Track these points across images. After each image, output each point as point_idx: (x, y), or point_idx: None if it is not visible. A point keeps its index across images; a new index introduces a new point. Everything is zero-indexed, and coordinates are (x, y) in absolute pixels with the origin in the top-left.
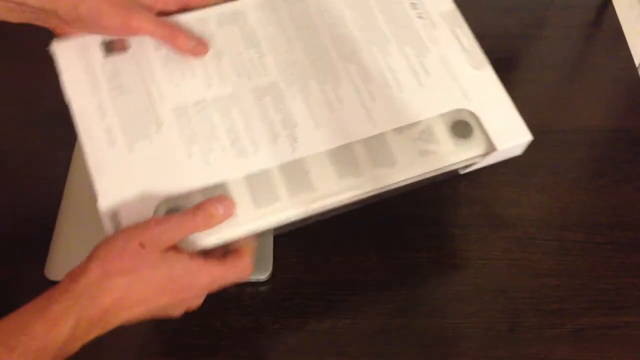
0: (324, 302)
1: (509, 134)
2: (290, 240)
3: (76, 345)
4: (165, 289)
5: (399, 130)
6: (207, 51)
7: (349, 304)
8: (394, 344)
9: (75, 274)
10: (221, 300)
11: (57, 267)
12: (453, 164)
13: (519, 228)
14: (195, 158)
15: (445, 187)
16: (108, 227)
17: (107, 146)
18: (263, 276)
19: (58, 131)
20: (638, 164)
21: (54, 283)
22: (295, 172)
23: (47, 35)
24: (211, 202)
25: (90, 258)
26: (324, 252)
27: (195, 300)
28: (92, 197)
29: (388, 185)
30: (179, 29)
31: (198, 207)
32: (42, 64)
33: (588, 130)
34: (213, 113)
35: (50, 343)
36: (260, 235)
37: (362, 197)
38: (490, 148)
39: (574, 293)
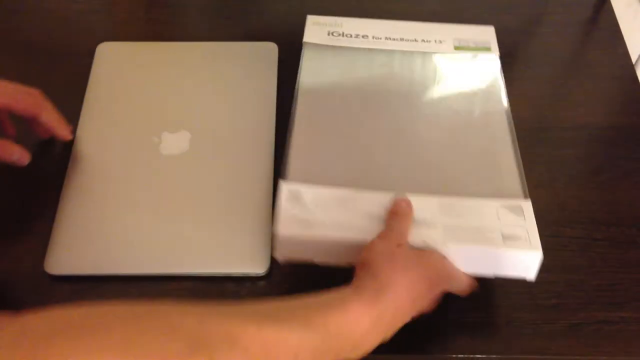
0: None
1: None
2: None
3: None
4: (422, 276)
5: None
6: (24, 163)
7: None
8: (389, 339)
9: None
10: (219, 296)
11: (56, 261)
12: None
13: None
14: None
15: None
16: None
17: None
18: (261, 271)
19: None
20: (635, 160)
21: (53, 277)
22: None
23: (47, 32)
24: (399, 201)
25: (369, 266)
26: None
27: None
28: (91, 192)
29: None
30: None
31: (397, 207)
32: (42, 59)
33: (585, 127)
34: None
35: (347, 333)
36: None
37: None
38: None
39: (570, 289)
